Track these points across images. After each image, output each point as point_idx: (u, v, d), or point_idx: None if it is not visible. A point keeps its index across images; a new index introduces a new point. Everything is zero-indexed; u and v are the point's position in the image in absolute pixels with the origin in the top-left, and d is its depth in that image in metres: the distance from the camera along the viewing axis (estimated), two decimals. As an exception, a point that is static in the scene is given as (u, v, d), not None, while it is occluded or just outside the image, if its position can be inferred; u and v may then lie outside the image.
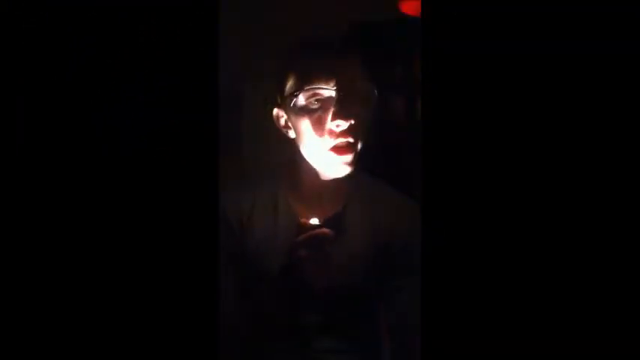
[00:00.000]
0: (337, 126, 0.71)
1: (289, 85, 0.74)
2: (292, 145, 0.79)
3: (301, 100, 0.72)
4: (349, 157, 0.73)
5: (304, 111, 0.73)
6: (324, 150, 0.73)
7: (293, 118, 0.75)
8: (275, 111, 0.79)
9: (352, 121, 0.71)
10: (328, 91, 0.71)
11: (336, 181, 0.78)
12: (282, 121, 0.78)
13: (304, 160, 0.77)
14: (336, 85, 0.71)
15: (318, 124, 0.72)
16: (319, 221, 0.72)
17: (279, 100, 0.77)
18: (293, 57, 0.76)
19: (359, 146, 0.75)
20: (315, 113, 0.72)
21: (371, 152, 0.78)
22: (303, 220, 0.72)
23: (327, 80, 0.71)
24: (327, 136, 0.72)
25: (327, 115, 0.71)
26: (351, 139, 0.72)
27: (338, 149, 0.73)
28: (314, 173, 0.78)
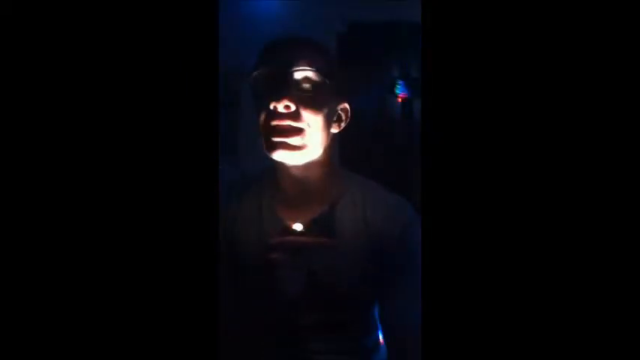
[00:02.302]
0: (274, 107, 0.71)
1: (257, 63, 0.75)
2: None
3: (259, 76, 0.73)
4: (286, 138, 0.72)
5: (257, 86, 0.74)
6: (265, 128, 0.73)
7: (254, 95, 0.76)
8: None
9: (291, 104, 0.71)
10: (285, 73, 0.71)
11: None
12: None
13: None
14: (294, 68, 0.71)
15: (262, 101, 0.72)
16: (305, 224, 0.72)
17: None
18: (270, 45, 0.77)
19: (304, 137, 0.73)
20: (265, 91, 0.72)
21: (370, 153, 0.77)
22: (288, 222, 0.72)
23: (287, 62, 0.72)
24: (268, 117, 0.72)
25: (274, 96, 0.71)
26: (291, 124, 0.72)
27: (276, 129, 0.72)
28: (296, 173, 0.77)
